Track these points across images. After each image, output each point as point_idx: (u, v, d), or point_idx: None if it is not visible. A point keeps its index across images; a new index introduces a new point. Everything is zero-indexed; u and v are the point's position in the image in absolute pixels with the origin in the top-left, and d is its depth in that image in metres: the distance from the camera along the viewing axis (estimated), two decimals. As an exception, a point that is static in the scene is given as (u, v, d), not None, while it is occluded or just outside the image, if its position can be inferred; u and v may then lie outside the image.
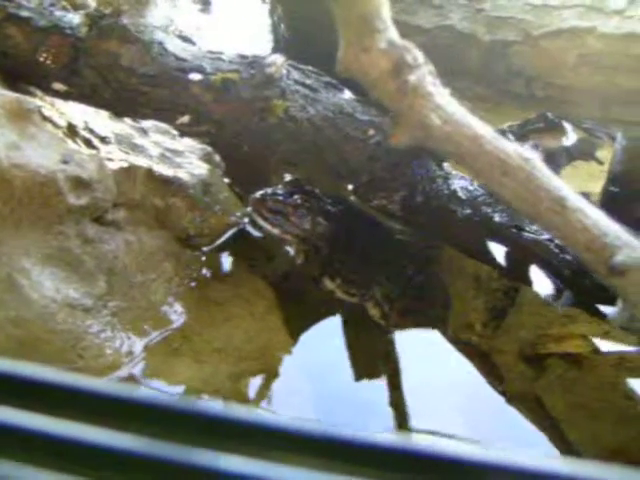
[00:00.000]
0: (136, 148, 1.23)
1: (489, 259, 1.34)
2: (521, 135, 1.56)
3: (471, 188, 1.37)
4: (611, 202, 1.25)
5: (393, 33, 0.86)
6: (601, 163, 1.44)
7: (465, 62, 1.23)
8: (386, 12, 0.84)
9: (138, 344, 1.09)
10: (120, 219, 1.12)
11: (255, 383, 1.11)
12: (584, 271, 1.18)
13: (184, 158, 1.29)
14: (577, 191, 1.60)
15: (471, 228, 1.32)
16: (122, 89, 1.11)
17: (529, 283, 1.34)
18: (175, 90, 1.11)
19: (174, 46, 1.13)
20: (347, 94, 1.25)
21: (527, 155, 0.81)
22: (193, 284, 1.19)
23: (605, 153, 1.47)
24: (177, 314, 1.14)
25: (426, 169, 1.35)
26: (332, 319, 1.27)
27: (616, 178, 1.25)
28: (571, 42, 1.06)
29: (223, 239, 1.29)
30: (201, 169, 1.29)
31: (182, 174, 1.24)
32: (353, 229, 1.35)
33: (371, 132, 1.24)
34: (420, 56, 0.85)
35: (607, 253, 0.80)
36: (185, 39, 1.17)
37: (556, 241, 1.24)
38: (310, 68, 1.23)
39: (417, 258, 1.43)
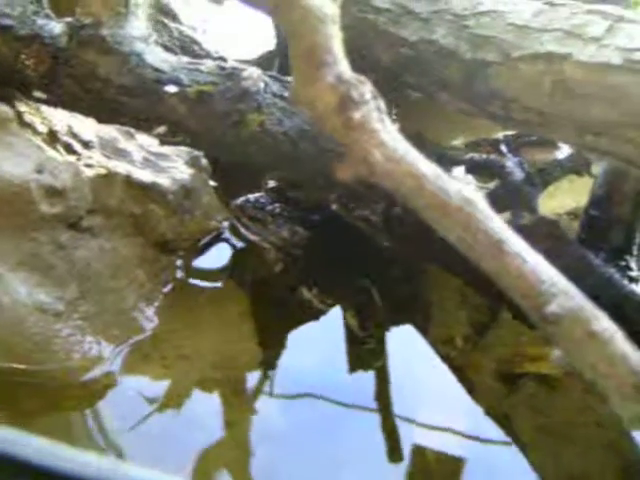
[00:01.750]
0: (119, 152, 1.25)
1: (470, 276, 1.34)
2: (514, 147, 1.54)
3: (454, 202, 1.36)
4: (590, 226, 1.24)
5: (343, 67, 0.86)
6: (596, 178, 1.41)
7: (448, 77, 1.22)
8: (337, 45, 0.84)
9: (107, 349, 1.13)
10: (95, 225, 1.15)
11: (220, 391, 1.14)
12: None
13: (169, 162, 1.31)
14: (572, 206, 1.61)
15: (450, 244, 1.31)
16: (100, 99, 1.13)
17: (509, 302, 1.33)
18: (151, 101, 1.13)
19: (153, 57, 1.14)
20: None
21: (469, 196, 0.82)
22: (167, 290, 1.22)
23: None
24: (148, 320, 1.17)
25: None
26: (307, 329, 1.28)
27: (597, 201, 1.23)
28: (547, 67, 1.04)
29: (202, 245, 1.32)
30: (184, 174, 1.31)
31: (163, 179, 1.26)
32: (334, 238, 1.36)
33: (350, 145, 1.24)
34: (368, 91, 0.85)
35: (541, 300, 0.80)
36: (167, 49, 1.19)
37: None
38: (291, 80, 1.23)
39: (400, 269, 1.43)
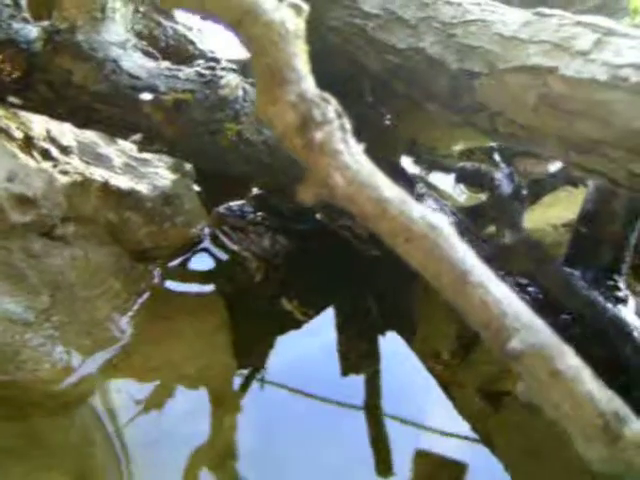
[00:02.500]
0: (99, 158, 1.24)
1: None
2: (508, 157, 1.50)
3: (441, 213, 1.33)
4: (579, 243, 1.20)
5: (306, 85, 0.83)
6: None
7: (435, 87, 1.18)
8: (301, 62, 0.81)
9: (77, 359, 1.11)
10: (69, 234, 1.13)
11: (188, 404, 1.12)
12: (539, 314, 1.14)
13: (150, 167, 1.29)
14: (569, 217, 1.56)
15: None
16: (75, 106, 1.11)
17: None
18: (126, 109, 1.11)
19: (130, 63, 1.12)
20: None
21: (434, 222, 0.78)
22: (142, 299, 1.20)
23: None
24: (120, 330, 1.16)
25: (395, 192, 1.32)
26: (285, 340, 1.26)
27: (586, 218, 1.19)
28: (533, 81, 1.00)
29: (182, 253, 1.29)
30: (166, 179, 1.29)
31: (142, 186, 1.24)
32: (317, 248, 1.34)
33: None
34: (332, 110, 0.82)
35: (504, 335, 0.77)
36: (147, 54, 1.16)
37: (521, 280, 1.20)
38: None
39: (385, 280, 1.40)
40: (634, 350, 1.02)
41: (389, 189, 0.85)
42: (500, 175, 1.27)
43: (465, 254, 0.84)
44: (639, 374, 1.03)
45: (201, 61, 1.26)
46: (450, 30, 1.18)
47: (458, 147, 1.84)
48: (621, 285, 1.17)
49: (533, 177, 1.44)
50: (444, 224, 0.86)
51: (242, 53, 1.88)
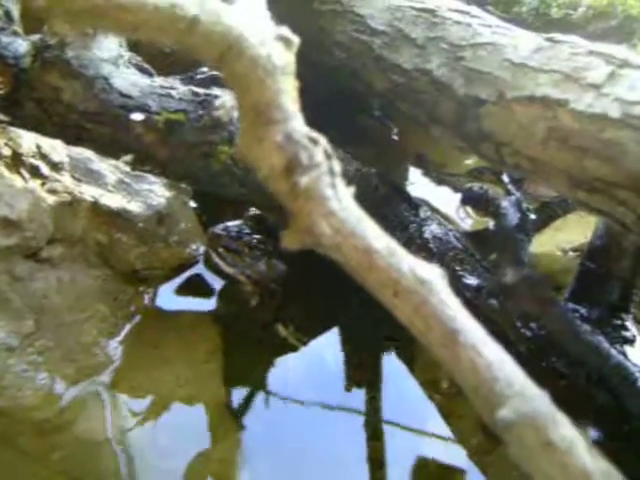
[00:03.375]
0: (91, 174, 1.20)
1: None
2: (517, 179, 1.44)
3: (445, 239, 1.28)
4: (586, 279, 1.14)
5: (294, 124, 0.78)
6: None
7: (440, 111, 1.13)
8: (288, 99, 0.76)
9: (60, 386, 1.08)
10: (56, 256, 1.10)
11: (172, 433, 1.08)
12: (540, 353, 1.09)
13: (145, 184, 1.25)
14: (581, 241, 1.50)
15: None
16: (64, 124, 1.07)
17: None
18: (117, 129, 1.07)
19: (121, 81, 1.07)
20: (310, 137, 1.17)
21: (425, 276, 0.73)
22: (131, 324, 1.16)
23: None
24: (108, 355, 1.12)
25: (397, 215, 1.27)
26: (279, 368, 1.22)
27: (594, 254, 1.14)
28: (542, 112, 0.95)
29: (175, 274, 1.25)
30: (161, 197, 1.25)
31: (135, 205, 1.20)
32: (314, 273, 1.29)
33: (330, 179, 1.17)
34: (320, 152, 0.77)
35: (494, 401, 0.72)
36: (142, 70, 1.12)
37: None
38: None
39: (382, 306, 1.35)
40: (639, 398, 0.97)
41: (378, 239, 0.80)
42: (507, 203, 1.21)
43: (457, 311, 0.79)
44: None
45: (203, 70, 1.22)
46: (459, 52, 1.12)
47: (469, 161, 1.79)
48: (628, 324, 1.12)
49: (543, 200, 1.38)
50: (435, 278, 0.80)
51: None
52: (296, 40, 0.73)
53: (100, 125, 1.06)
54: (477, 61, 1.09)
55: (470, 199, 1.34)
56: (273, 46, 0.72)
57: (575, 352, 0.99)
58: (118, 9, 0.65)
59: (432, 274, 0.80)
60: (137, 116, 1.04)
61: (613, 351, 0.99)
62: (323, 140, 0.80)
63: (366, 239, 0.77)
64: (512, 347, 1.14)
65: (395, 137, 1.63)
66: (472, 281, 1.21)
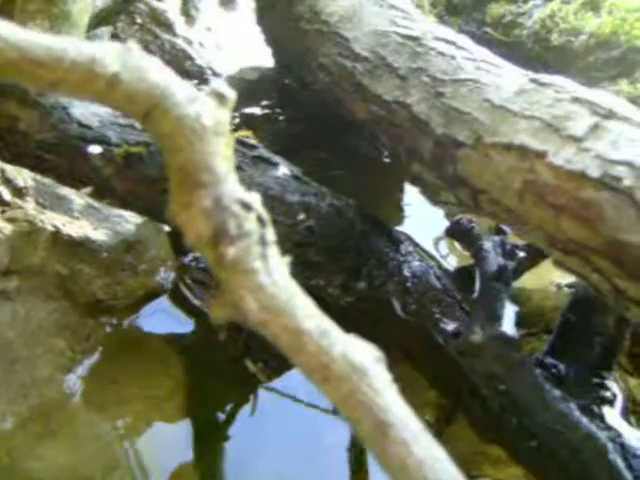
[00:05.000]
0: (57, 201, 1.15)
1: (428, 371, 1.19)
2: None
3: (424, 278, 1.21)
4: (566, 332, 1.07)
5: (225, 188, 0.72)
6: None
7: (419, 148, 1.07)
8: (219, 161, 0.70)
9: (11, 422, 1.04)
10: (11, 289, 1.06)
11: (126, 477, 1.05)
12: (513, 410, 1.03)
13: (114, 209, 1.20)
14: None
15: (410, 329, 1.17)
16: (21, 153, 1.03)
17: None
18: (74, 160, 1.02)
19: (81, 110, 1.03)
20: (282, 170, 1.12)
21: (357, 362, 0.67)
22: (90, 358, 1.13)
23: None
24: (63, 393, 1.08)
25: (374, 251, 1.21)
26: (247, 408, 1.17)
27: (576, 305, 1.07)
28: (519, 163, 0.88)
29: (142, 303, 1.21)
30: (130, 224, 1.20)
31: (101, 232, 1.15)
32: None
33: (301, 216, 1.11)
34: (252, 220, 0.71)
35: (424, 503, 0.66)
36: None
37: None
38: (241, 139, 1.11)
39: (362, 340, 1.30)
40: (611, 475, 0.91)
41: (309, 318, 0.75)
42: (489, 245, 1.14)
43: (390, 402, 0.73)
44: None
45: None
46: (439, 87, 1.05)
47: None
48: (608, 383, 1.05)
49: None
50: (370, 363, 0.74)
51: (250, 72, 1.78)
52: (232, 95, 0.67)
53: (57, 156, 1.02)
54: (457, 99, 1.02)
55: (454, 232, 1.28)
56: (204, 103, 0.66)
57: (542, 421, 0.93)
58: (33, 65, 0.59)
59: (367, 359, 0.74)
60: (94, 148, 1.00)
61: (584, 420, 0.93)
62: (257, 203, 0.75)
63: (296, 318, 0.71)
64: (484, 403, 1.09)
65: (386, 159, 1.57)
66: (449, 326, 1.15)
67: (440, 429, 1.25)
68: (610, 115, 0.87)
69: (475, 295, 1.09)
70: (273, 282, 0.73)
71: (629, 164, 0.80)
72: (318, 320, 0.75)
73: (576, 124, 0.87)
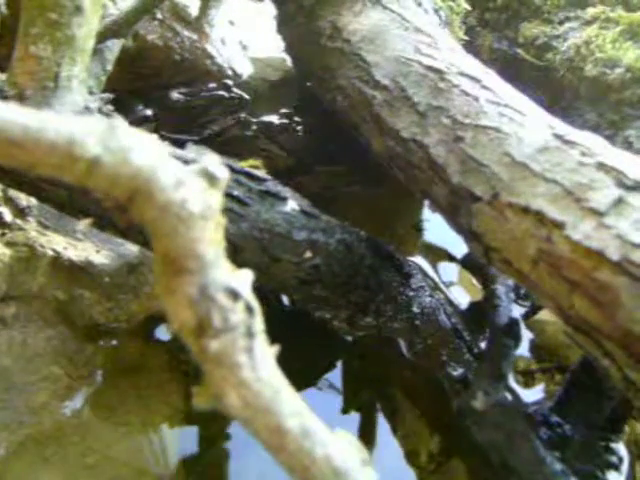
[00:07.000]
0: (59, 222, 1.13)
1: (431, 416, 1.16)
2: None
3: (434, 316, 1.18)
4: (575, 391, 1.02)
5: (212, 276, 0.69)
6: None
7: (434, 193, 1.02)
8: (206, 247, 0.67)
9: (5, 449, 1.04)
10: (8, 315, 1.04)
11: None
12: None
13: (119, 228, 1.17)
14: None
15: (414, 370, 1.14)
16: (21, 183, 1.00)
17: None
18: (74, 191, 0.99)
19: (83, 139, 0.99)
20: (290, 205, 1.08)
21: (341, 466, 0.65)
22: (87, 385, 1.11)
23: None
24: (57, 419, 1.07)
25: (383, 286, 1.17)
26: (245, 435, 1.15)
27: (588, 364, 1.02)
28: (535, 229, 0.83)
29: (143, 327, 1.19)
30: (133, 245, 1.17)
31: (103, 255, 1.13)
32: (289, 331, 1.21)
33: (308, 254, 1.07)
34: (238, 311, 0.68)
35: None
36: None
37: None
38: (248, 171, 1.06)
39: (363, 371, 1.27)
40: None
41: (292, 417, 0.71)
42: (502, 290, 1.10)
43: None
44: None
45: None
46: (459, 131, 0.99)
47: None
48: (616, 446, 1.01)
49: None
50: (353, 468, 0.72)
51: (273, 73, 1.71)
52: (224, 175, 0.63)
53: (56, 187, 0.99)
54: (477, 148, 0.96)
55: (468, 265, 1.23)
56: (191, 188, 0.62)
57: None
58: (10, 145, 0.56)
59: (351, 462, 0.71)
60: (95, 182, 0.96)
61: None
62: (247, 289, 0.71)
63: (279, 416, 0.68)
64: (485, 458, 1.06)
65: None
66: (456, 372, 1.12)
67: (438, 463, 1.24)
68: (636, 187, 0.81)
69: (483, 346, 1.05)
70: (258, 378, 0.69)
71: (652, 249, 0.75)
72: (302, 419, 0.71)
73: (599, 195, 0.81)
